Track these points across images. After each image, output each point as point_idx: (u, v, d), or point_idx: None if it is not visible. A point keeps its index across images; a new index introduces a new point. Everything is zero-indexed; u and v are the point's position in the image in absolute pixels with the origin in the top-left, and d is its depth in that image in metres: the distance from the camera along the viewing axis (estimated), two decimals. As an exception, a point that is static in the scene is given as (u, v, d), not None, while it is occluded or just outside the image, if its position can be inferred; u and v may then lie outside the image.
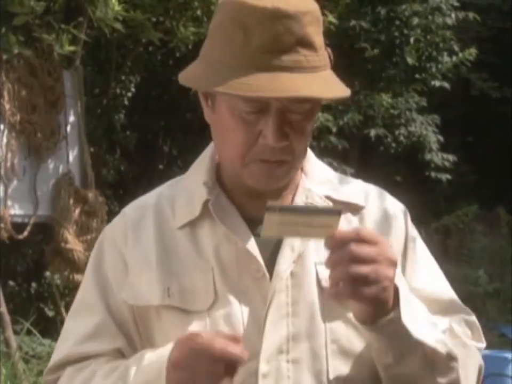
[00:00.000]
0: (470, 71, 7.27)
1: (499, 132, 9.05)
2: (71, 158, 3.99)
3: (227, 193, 0.95)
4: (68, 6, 3.78)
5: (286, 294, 0.90)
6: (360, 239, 0.81)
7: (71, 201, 3.82)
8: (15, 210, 3.72)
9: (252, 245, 0.91)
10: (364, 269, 0.80)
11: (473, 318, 0.97)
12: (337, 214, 0.81)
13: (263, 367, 0.88)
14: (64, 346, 0.96)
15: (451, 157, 6.61)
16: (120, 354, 0.93)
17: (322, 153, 5.95)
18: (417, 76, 6.33)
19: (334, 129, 5.84)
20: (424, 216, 7.71)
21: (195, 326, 0.89)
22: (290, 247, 0.92)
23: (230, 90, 0.84)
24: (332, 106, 5.69)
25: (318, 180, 0.96)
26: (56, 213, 3.80)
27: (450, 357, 0.88)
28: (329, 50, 0.91)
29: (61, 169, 3.94)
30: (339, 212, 0.81)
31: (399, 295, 0.84)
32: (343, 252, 0.80)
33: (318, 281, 0.91)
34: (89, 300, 0.97)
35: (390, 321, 0.83)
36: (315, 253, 0.92)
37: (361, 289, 0.80)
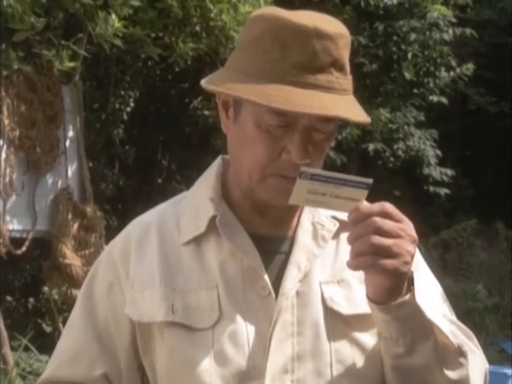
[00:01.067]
0: (467, 86, 7.30)
1: (497, 146, 9.06)
2: (69, 173, 3.99)
3: (233, 209, 0.94)
4: (67, 22, 3.81)
5: (292, 313, 0.89)
6: (384, 213, 0.82)
7: (70, 216, 3.82)
8: (14, 226, 3.72)
9: (258, 263, 0.90)
10: (387, 241, 0.80)
11: (476, 341, 0.99)
12: (366, 187, 0.81)
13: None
14: (49, 366, 0.98)
15: (449, 171, 6.62)
16: (106, 380, 0.93)
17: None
18: (415, 90, 6.36)
19: (333, 144, 5.86)
20: (422, 230, 7.70)
21: (199, 343, 0.88)
22: (297, 266, 0.91)
23: (268, 103, 0.84)
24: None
25: None
26: (54, 227, 3.79)
27: (460, 351, 0.88)
28: (350, 76, 0.92)
29: (59, 184, 3.94)
30: (368, 184, 0.82)
31: (413, 279, 0.84)
32: (367, 224, 0.81)
33: (323, 301, 0.91)
34: (74, 320, 0.97)
35: (404, 302, 0.83)
36: (320, 272, 0.92)
37: (383, 260, 0.80)
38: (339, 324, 0.89)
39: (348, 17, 6.03)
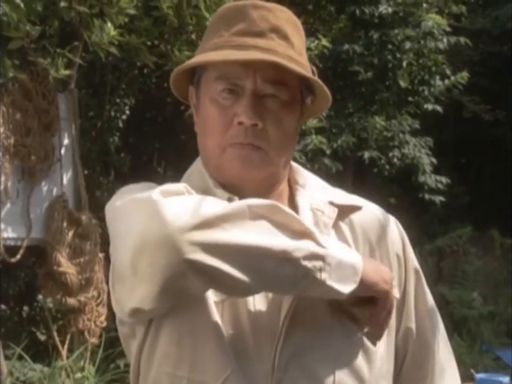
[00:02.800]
0: (462, 94, 7.33)
1: (492, 154, 9.09)
2: (65, 181, 3.98)
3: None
4: (63, 30, 3.81)
5: (298, 301, 0.90)
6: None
7: (65, 224, 3.80)
8: (8, 233, 3.70)
9: None
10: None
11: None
12: None
13: (279, 376, 0.87)
14: None
15: (444, 179, 6.63)
16: None
17: (316, 175, 5.96)
18: (410, 98, 6.39)
19: (328, 152, 5.86)
20: (418, 238, 7.70)
21: (215, 311, 0.88)
22: None
23: (204, 58, 0.89)
24: (325, 129, 5.72)
25: (316, 189, 0.99)
26: (49, 235, 3.78)
27: None
28: (314, 68, 0.94)
29: (54, 191, 3.93)
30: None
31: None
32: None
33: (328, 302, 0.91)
34: None
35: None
36: None
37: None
38: (344, 314, 0.90)
39: (342, 26, 6.06)
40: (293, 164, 1.02)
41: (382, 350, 0.95)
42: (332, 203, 0.97)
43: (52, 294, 3.83)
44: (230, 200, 0.92)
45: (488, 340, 6.60)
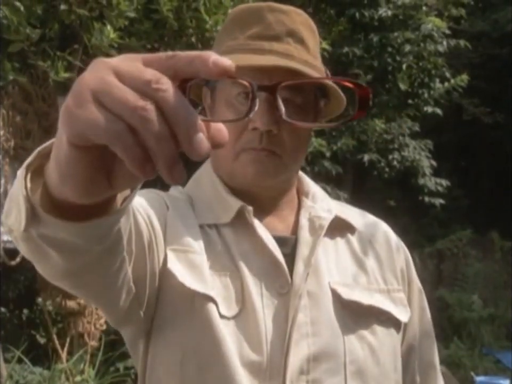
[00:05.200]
0: (462, 96, 7.34)
1: (491, 156, 9.10)
2: (64, 184, 3.98)
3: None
4: (63, 33, 3.81)
5: (305, 313, 0.89)
6: None
7: (65, 226, 3.81)
8: (8, 236, 3.70)
9: (281, 259, 0.90)
10: None
11: None
12: None
13: None
14: None
15: (444, 182, 6.64)
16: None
17: (316, 178, 5.96)
18: (410, 101, 6.40)
19: (328, 154, 5.87)
20: (417, 240, 7.70)
21: (223, 328, 0.85)
22: (303, 263, 0.91)
23: (238, 62, 0.87)
24: (325, 132, 5.72)
25: (318, 197, 0.98)
26: (49, 238, 3.78)
27: None
28: (327, 71, 0.94)
29: (54, 194, 3.94)
30: None
31: None
32: None
33: (335, 301, 0.91)
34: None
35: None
36: (328, 273, 0.92)
37: None
38: (351, 322, 0.89)
39: (342, 29, 6.07)
40: (302, 174, 1.02)
41: (387, 349, 0.93)
42: (330, 211, 0.97)
43: (52, 297, 3.83)
44: (242, 208, 0.91)
45: (488, 342, 6.60)
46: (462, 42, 6.59)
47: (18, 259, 3.69)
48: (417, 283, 1.02)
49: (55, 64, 3.36)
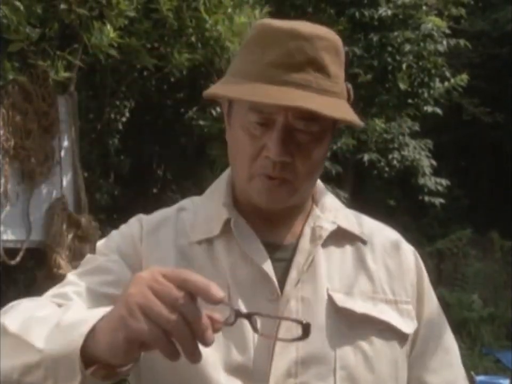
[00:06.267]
0: (462, 96, 7.34)
1: (491, 156, 9.10)
2: (64, 183, 3.98)
3: (244, 216, 0.97)
4: (63, 33, 3.81)
5: (296, 318, 0.90)
6: None
7: (64, 226, 3.80)
8: (8, 236, 3.70)
9: (268, 267, 0.92)
10: None
11: None
12: None
13: None
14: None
15: (444, 181, 6.64)
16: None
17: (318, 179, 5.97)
18: (409, 101, 6.39)
19: (328, 154, 5.86)
20: (417, 240, 7.71)
21: None
22: (297, 270, 0.93)
23: (238, 96, 0.88)
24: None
25: (326, 208, 0.99)
26: (49, 238, 3.78)
27: None
28: (349, 85, 0.94)
29: (54, 194, 3.93)
30: None
31: None
32: None
33: (330, 307, 0.91)
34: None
35: None
36: (328, 280, 0.93)
37: None
38: (346, 329, 0.89)
39: (342, 28, 6.07)
40: (319, 182, 1.03)
41: (384, 358, 0.93)
42: (334, 222, 0.97)
43: (52, 297, 3.83)
44: (228, 221, 0.94)
45: (488, 342, 6.60)
46: (462, 42, 6.59)
47: (18, 258, 3.69)
48: (430, 299, 1.00)
49: (55, 63, 3.36)
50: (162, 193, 5.80)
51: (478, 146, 9.01)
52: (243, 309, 0.90)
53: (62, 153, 3.98)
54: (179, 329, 0.65)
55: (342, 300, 0.91)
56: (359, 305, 0.92)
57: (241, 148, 0.91)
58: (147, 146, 5.84)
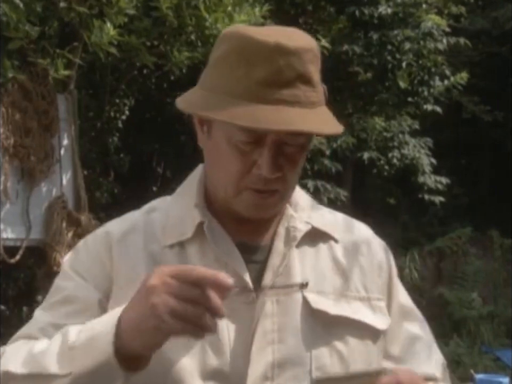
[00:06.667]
0: (461, 95, 7.34)
1: (491, 154, 9.10)
2: (64, 181, 3.98)
3: (217, 217, 0.96)
4: (62, 31, 3.81)
5: (272, 320, 0.91)
6: None
7: (64, 224, 3.80)
8: (7, 234, 3.70)
9: (243, 269, 0.92)
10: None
11: (439, 351, 1.07)
12: (376, 374, 0.87)
13: None
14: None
15: (444, 180, 6.64)
16: None
17: (316, 176, 5.97)
18: (409, 99, 6.39)
19: (328, 152, 5.87)
20: (417, 238, 7.70)
21: (183, 346, 0.89)
22: (272, 272, 0.93)
23: (234, 120, 0.85)
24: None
25: (300, 207, 0.99)
26: (48, 236, 3.78)
27: None
28: (324, 87, 0.93)
29: (54, 192, 3.93)
30: (379, 372, 0.87)
31: None
32: None
33: (304, 308, 0.92)
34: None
35: None
36: (302, 280, 0.94)
37: None
38: (321, 330, 0.90)
39: (342, 27, 6.07)
40: None
41: (359, 357, 0.94)
42: (308, 223, 0.98)
43: (52, 295, 3.83)
44: (201, 224, 0.93)
45: (487, 340, 6.61)
46: (462, 40, 6.59)
47: (18, 257, 3.69)
48: (397, 299, 1.02)
49: (55, 61, 3.36)
50: (162, 191, 5.79)
51: (478, 145, 9.01)
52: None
53: (62, 151, 3.98)
54: (203, 319, 0.76)
55: (316, 301, 0.92)
56: (333, 306, 0.93)
57: (227, 162, 0.90)
58: (147, 145, 5.85)
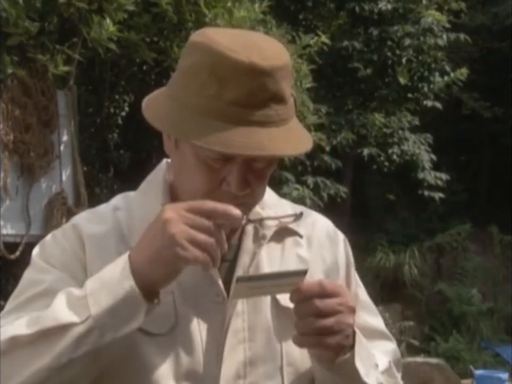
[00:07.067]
0: (461, 91, 7.33)
1: (491, 150, 9.10)
2: (64, 177, 3.98)
3: None
4: (62, 26, 3.80)
5: (243, 319, 0.91)
6: (323, 293, 0.85)
7: (64, 220, 3.80)
8: (7, 230, 3.70)
9: (213, 269, 0.90)
10: (328, 322, 0.84)
11: (395, 344, 1.06)
12: (303, 274, 0.85)
13: None
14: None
15: (444, 176, 6.64)
16: None
17: (315, 172, 5.97)
18: (409, 95, 6.39)
19: (328, 148, 5.86)
20: (417, 234, 7.70)
21: (155, 348, 0.89)
22: (242, 271, 0.93)
23: (205, 145, 0.84)
24: (325, 126, 5.71)
25: (266, 204, 0.99)
26: (48, 232, 3.76)
27: None
28: (294, 96, 0.92)
29: (53, 188, 3.93)
30: (305, 272, 0.85)
31: (355, 339, 0.88)
32: (307, 306, 0.84)
33: (274, 305, 0.93)
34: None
35: (345, 362, 0.88)
36: None
37: (326, 339, 0.85)
38: (291, 326, 0.89)
39: (342, 23, 6.06)
40: None
41: None
42: (276, 219, 0.98)
43: (51, 291, 3.83)
44: None
45: (487, 336, 6.62)
46: (461, 36, 6.58)
47: (17, 253, 3.69)
48: (354, 289, 1.03)
49: (54, 57, 3.36)
50: (161, 188, 5.79)
51: (478, 141, 9.00)
52: (189, 312, 0.90)
53: (62, 147, 3.98)
54: (214, 248, 0.81)
55: (284, 298, 0.91)
56: None
57: (195, 177, 0.89)
58: (146, 141, 5.84)
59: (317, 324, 0.83)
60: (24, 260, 4.34)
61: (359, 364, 0.88)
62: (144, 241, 0.84)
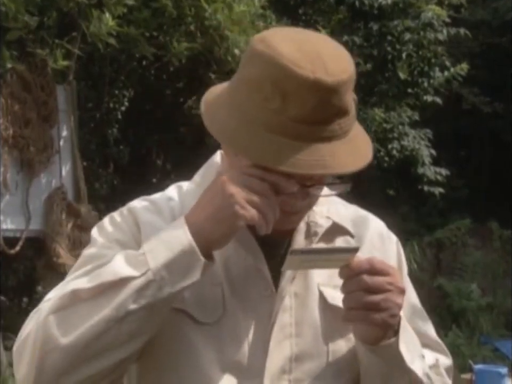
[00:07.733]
0: (461, 86, 7.32)
1: (491, 146, 9.09)
2: (63, 172, 3.98)
3: None
4: (61, 21, 3.80)
5: (290, 314, 0.91)
6: (373, 270, 0.86)
7: (64, 215, 3.81)
8: (7, 225, 3.71)
9: (262, 263, 0.92)
10: (375, 298, 0.85)
11: (451, 361, 1.04)
12: (354, 251, 0.86)
13: None
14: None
15: (444, 171, 6.64)
16: None
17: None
18: (409, 90, 6.38)
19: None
20: (417, 229, 7.71)
21: (202, 337, 0.89)
22: None
23: (269, 164, 0.84)
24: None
25: (319, 201, 0.97)
26: (48, 227, 3.78)
27: None
28: (355, 96, 0.92)
29: (53, 183, 3.93)
30: (356, 249, 0.86)
31: (400, 323, 0.88)
32: (356, 282, 0.85)
33: (321, 303, 0.93)
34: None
35: (389, 345, 0.88)
36: (318, 274, 0.93)
37: (373, 315, 0.85)
38: (338, 324, 0.90)
39: (342, 17, 6.05)
40: None
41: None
42: (328, 217, 0.97)
43: (51, 286, 3.82)
44: None
45: (486, 331, 6.63)
46: (462, 31, 6.57)
47: (17, 248, 3.70)
48: (407, 286, 1.01)
49: (54, 52, 3.35)
50: (161, 183, 5.79)
51: (478, 136, 8.99)
52: (236, 304, 0.90)
53: (61, 142, 3.98)
54: (270, 211, 0.84)
55: (333, 297, 0.92)
56: None
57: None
58: (146, 136, 5.84)
59: (364, 298, 0.84)
60: (24, 255, 4.35)
61: (403, 349, 0.88)
62: (202, 202, 0.86)
